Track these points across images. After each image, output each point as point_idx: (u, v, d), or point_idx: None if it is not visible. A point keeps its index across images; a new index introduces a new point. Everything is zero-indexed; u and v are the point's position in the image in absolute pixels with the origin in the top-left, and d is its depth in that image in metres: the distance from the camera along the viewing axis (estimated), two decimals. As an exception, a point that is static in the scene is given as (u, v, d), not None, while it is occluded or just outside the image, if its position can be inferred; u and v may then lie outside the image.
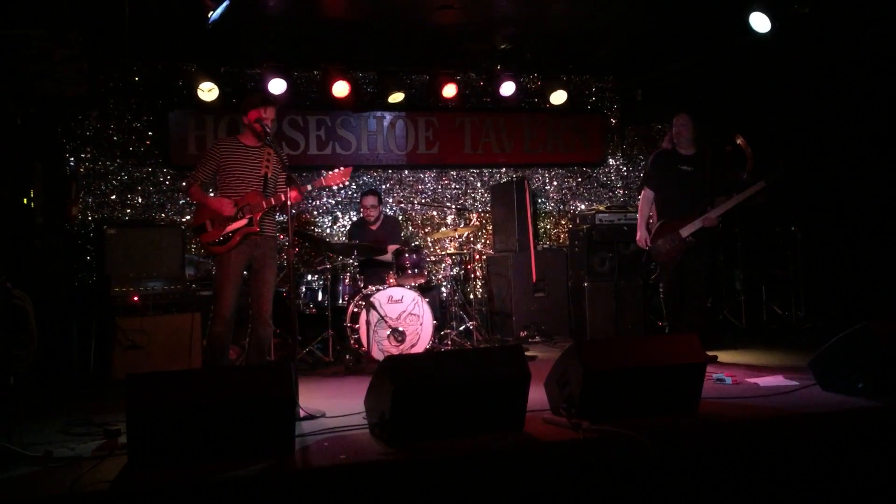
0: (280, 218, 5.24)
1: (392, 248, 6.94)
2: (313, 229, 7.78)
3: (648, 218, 6.03)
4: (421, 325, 6.06)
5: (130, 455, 3.11)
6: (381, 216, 7.24)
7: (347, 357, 6.12)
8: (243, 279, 4.88)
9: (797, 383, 4.45)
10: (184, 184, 4.93)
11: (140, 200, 7.34)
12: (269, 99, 5.14)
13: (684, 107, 6.06)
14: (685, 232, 5.72)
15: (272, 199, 4.85)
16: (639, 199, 8.43)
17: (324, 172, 5.08)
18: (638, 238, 5.95)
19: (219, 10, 5.03)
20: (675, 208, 5.85)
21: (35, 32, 5.27)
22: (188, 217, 7.38)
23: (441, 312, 6.78)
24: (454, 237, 7.82)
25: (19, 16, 5.12)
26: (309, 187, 4.98)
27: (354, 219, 7.76)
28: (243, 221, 4.76)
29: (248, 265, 4.86)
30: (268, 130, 4.72)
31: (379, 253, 6.60)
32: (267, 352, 4.93)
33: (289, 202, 4.49)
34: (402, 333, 5.97)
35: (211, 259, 4.98)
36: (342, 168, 5.10)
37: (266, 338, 4.86)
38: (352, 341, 6.07)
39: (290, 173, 4.60)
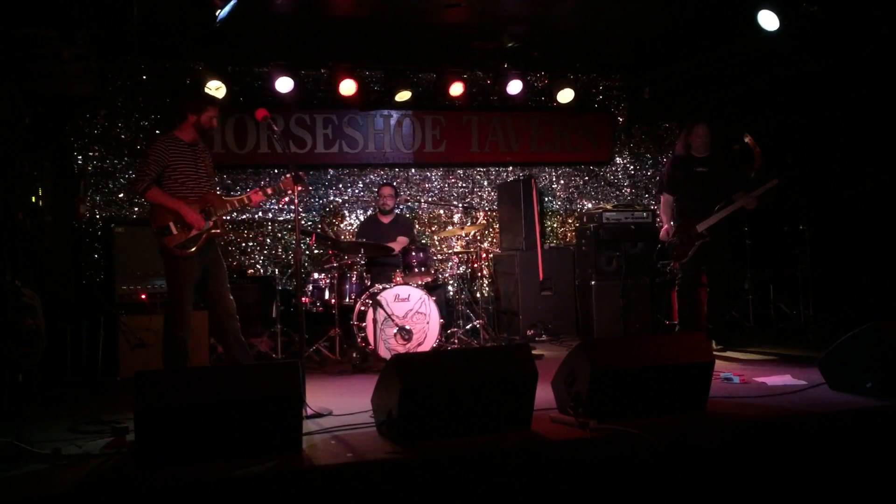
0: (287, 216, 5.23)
1: (401, 239, 6.95)
2: (322, 228, 7.79)
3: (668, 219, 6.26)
4: (428, 323, 6.06)
5: (138, 452, 3.12)
6: (395, 211, 7.28)
7: (354, 355, 6.12)
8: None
9: (805, 383, 4.43)
10: (139, 186, 4.63)
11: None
12: (214, 99, 5.14)
13: (701, 113, 6.27)
14: (701, 227, 5.96)
15: (235, 202, 4.87)
16: (652, 203, 8.58)
17: (281, 178, 4.90)
18: (663, 231, 6.20)
19: (227, 9, 5.04)
20: (693, 209, 6.11)
21: (44, 32, 5.29)
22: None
23: (448, 311, 6.79)
24: (461, 236, 7.81)
25: (29, 15, 5.14)
26: (270, 191, 4.87)
27: (362, 217, 7.78)
28: (210, 223, 4.71)
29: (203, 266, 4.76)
30: (274, 128, 4.72)
31: (385, 252, 6.60)
32: (244, 343, 4.84)
33: (295, 199, 4.51)
34: (409, 332, 5.97)
35: (164, 263, 4.75)
36: (287, 176, 4.99)
37: (238, 330, 4.76)
38: (359, 339, 6.07)
39: (297, 171, 4.59)
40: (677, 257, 6.16)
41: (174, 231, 4.61)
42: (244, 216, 7.58)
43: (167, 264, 4.69)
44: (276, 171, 7.72)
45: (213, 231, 4.74)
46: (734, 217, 6.09)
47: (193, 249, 4.63)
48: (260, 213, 7.65)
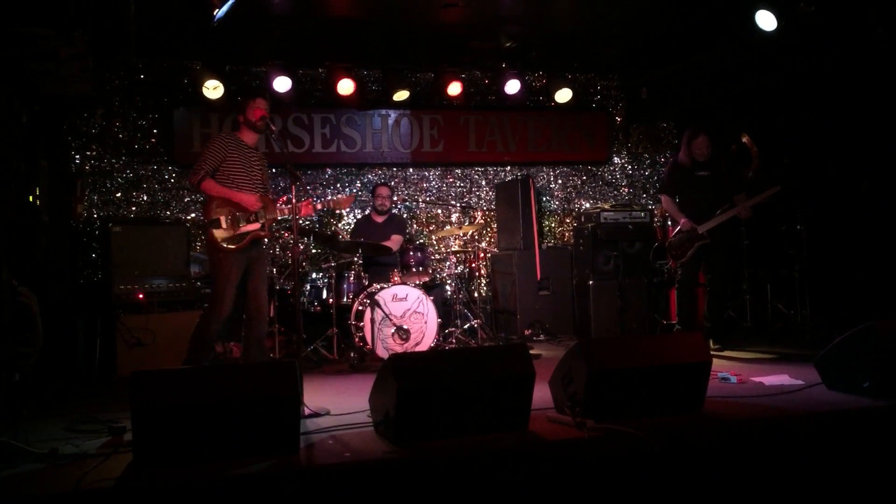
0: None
1: (396, 238, 6.96)
2: (318, 227, 7.79)
3: (667, 218, 6.28)
4: (425, 323, 6.06)
5: (135, 452, 3.11)
6: (391, 210, 7.28)
7: (352, 355, 6.12)
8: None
9: (802, 382, 4.44)
10: (194, 178, 4.79)
11: (145, 198, 7.35)
12: (258, 93, 5.15)
13: (700, 121, 6.44)
14: (703, 228, 6.04)
15: (286, 210, 4.92)
16: (650, 203, 8.61)
17: (331, 196, 5.10)
18: (684, 222, 6.17)
19: (224, 8, 5.03)
20: (695, 211, 6.16)
21: (41, 31, 5.27)
22: (193, 215, 7.39)
23: (445, 310, 6.78)
24: (459, 235, 7.81)
25: (25, 14, 5.12)
26: (319, 205, 5.09)
27: (359, 216, 7.77)
28: (256, 225, 4.82)
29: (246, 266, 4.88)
30: (272, 127, 4.74)
31: (383, 251, 6.60)
32: (265, 347, 4.92)
33: (294, 201, 4.52)
34: (407, 331, 5.97)
35: (209, 256, 4.90)
36: (347, 195, 5.19)
37: (263, 333, 4.87)
38: (356, 339, 6.07)
39: (295, 171, 4.60)
40: (677, 257, 6.21)
41: (223, 225, 4.74)
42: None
43: (212, 257, 4.85)
44: (273, 170, 7.70)
45: (260, 233, 4.86)
46: (732, 218, 6.12)
47: (235, 247, 4.73)
48: (257, 213, 7.65)
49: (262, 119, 4.84)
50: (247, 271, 4.89)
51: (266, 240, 5.00)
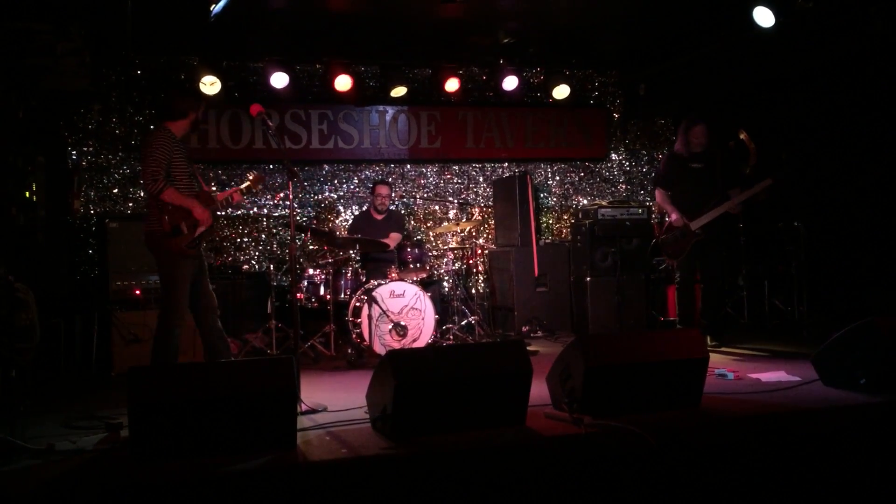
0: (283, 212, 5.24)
1: (394, 236, 6.95)
2: (316, 223, 7.78)
3: (665, 214, 6.30)
4: (423, 319, 6.06)
5: (132, 448, 3.11)
6: (389, 207, 7.28)
7: (349, 351, 6.12)
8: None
9: (799, 379, 4.44)
10: (154, 188, 4.41)
11: (142, 194, 7.33)
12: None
13: (698, 112, 6.40)
14: (695, 224, 6.00)
15: (223, 201, 4.86)
16: (648, 199, 8.61)
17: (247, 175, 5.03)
18: (675, 218, 6.14)
19: (221, 4, 5.03)
20: (688, 204, 6.11)
21: (38, 26, 5.27)
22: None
23: (443, 307, 6.78)
24: (456, 232, 7.81)
25: (22, 9, 5.12)
26: (244, 188, 4.95)
27: (357, 212, 7.76)
28: (207, 224, 4.68)
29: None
30: (269, 123, 4.71)
31: (380, 248, 6.60)
32: (226, 337, 4.81)
33: (291, 195, 4.51)
34: (404, 328, 5.97)
35: (166, 264, 4.61)
36: (255, 173, 5.05)
37: (220, 326, 4.75)
38: (353, 335, 6.07)
39: (292, 167, 4.58)
40: (673, 255, 6.19)
41: (185, 231, 4.50)
42: (239, 212, 7.57)
43: (169, 263, 4.54)
44: (271, 166, 7.71)
45: (212, 231, 4.76)
46: (729, 214, 6.11)
47: (194, 251, 4.60)
48: (255, 209, 7.65)
49: (258, 115, 4.79)
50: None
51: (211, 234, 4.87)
